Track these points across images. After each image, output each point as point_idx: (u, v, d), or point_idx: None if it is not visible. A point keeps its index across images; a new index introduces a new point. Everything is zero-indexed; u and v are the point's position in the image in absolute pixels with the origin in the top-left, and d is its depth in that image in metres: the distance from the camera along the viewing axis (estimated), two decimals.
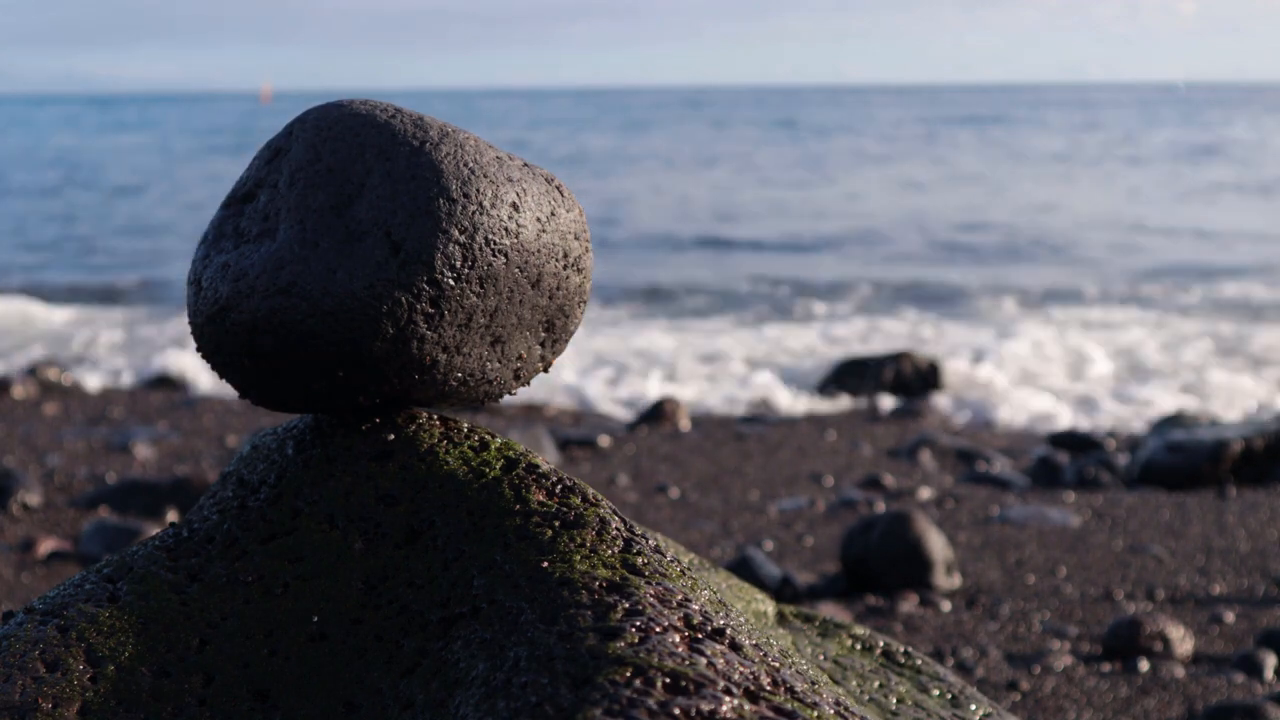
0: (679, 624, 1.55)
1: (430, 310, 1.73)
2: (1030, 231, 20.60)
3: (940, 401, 9.30)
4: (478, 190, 1.74)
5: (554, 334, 1.89)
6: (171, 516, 6.15)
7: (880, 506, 6.55)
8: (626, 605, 1.56)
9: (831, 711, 1.53)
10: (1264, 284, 15.06)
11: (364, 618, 1.69)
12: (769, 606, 2.21)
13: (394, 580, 1.71)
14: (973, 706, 2.03)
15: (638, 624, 1.53)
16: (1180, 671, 4.31)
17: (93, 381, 10.22)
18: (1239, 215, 22.13)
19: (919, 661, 2.14)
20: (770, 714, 1.42)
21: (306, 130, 1.78)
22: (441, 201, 1.72)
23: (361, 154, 1.74)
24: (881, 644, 2.17)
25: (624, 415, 9.01)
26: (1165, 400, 9.34)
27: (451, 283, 1.73)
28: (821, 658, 2.02)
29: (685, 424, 8.63)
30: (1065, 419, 8.94)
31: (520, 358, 1.86)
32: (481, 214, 1.74)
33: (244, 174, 1.84)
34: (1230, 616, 4.87)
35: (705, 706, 1.39)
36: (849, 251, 18.79)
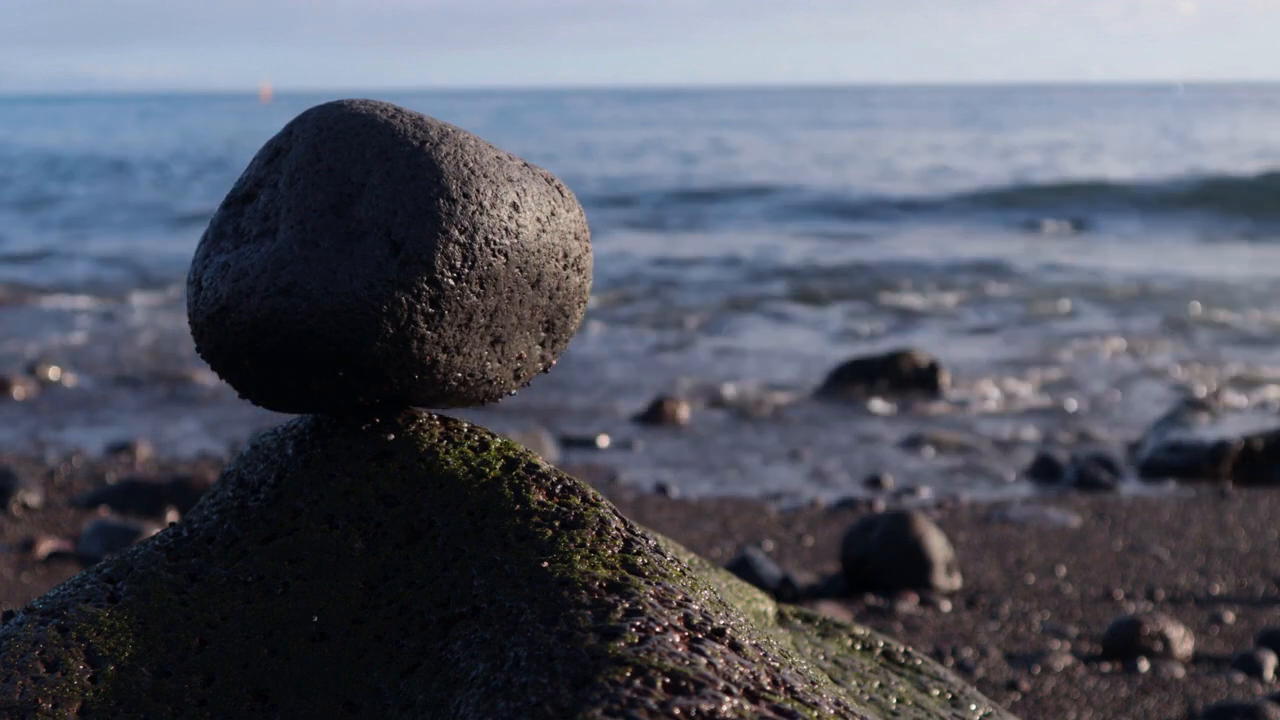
0: (679, 624, 1.55)
1: (430, 310, 1.73)
2: None
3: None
4: (478, 190, 1.74)
5: (554, 334, 1.89)
6: (171, 516, 6.15)
7: (880, 506, 6.55)
8: (626, 605, 1.56)
9: (831, 711, 1.53)
10: None
11: (364, 618, 1.69)
12: (769, 606, 2.21)
13: (394, 580, 1.71)
14: (973, 706, 2.03)
15: (638, 624, 1.53)
16: (1180, 671, 4.31)
17: None
18: None
19: (919, 661, 2.14)
20: (770, 714, 1.42)
21: (306, 130, 1.78)
22: (441, 201, 1.72)
23: (361, 154, 1.74)
24: (881, 644, 2.17)
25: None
26: None
27: (451, 283, 1.73)
28: (821, 658, 2.02)
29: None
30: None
31: (520, 358, 1.86)
32: (481, 214, 1.74)
33: (244, 174, 1.84)
34: (1230, 616, 4.87)
35: (705, 706, 1.39)
36: None
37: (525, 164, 1.83)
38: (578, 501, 1.76)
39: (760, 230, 21.47)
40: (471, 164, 1.75)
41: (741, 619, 1.73)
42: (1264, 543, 5.88)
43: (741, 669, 1.50)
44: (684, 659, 1.47)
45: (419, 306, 1.72)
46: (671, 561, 1.72)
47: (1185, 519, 6.30)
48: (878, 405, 9.18)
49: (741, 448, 8.04)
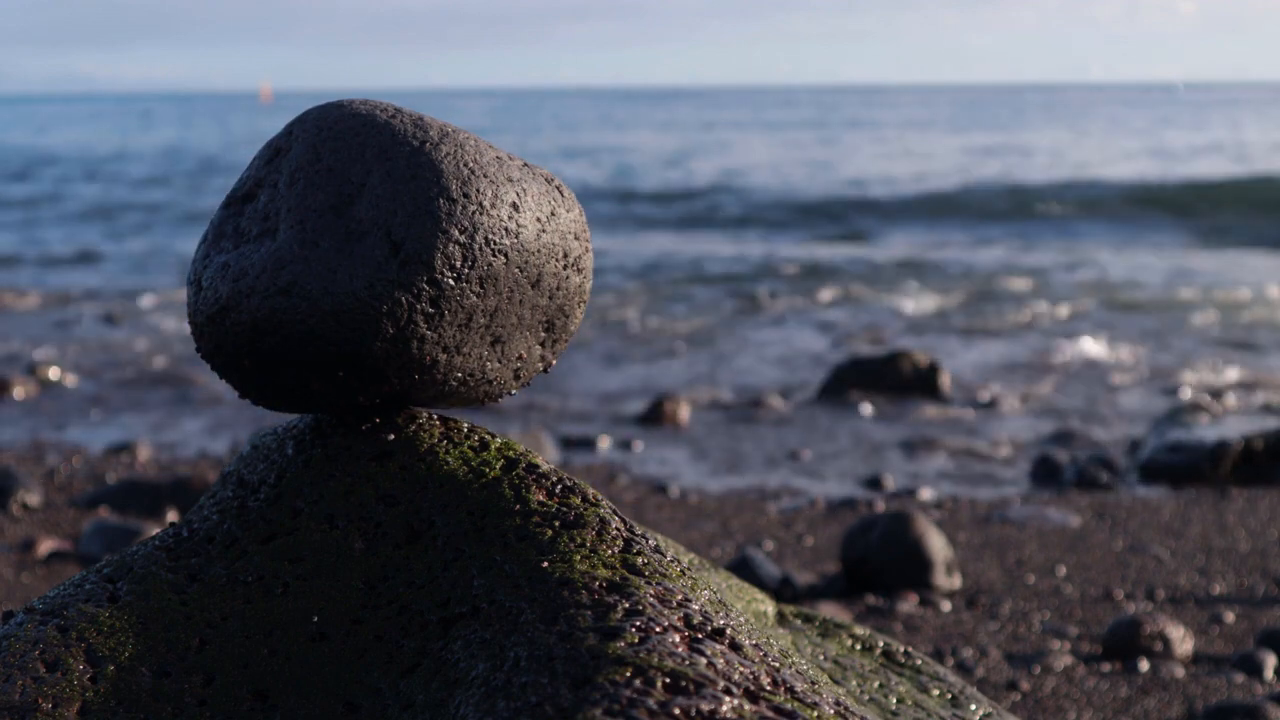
0: (679, 624, 1.55)
1: (430, 310, 1.73)
2: None
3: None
4: (478, 190, 1.74)
5: (554, 334, 1.89)
6: (171, 516, 6.15)
7: (880, 506, 6.55)
8: (626, 605, 1.56)
9: (831, 711, 1.53)
10: None
11: (364, 618, 1.69)
12: (769, 606, 2.21)
13: (394, 580, 1.71)
14: (973, 706, 2.03)
15: (638, 624, 1.53)
16: (1180, 671, 4.31)
17: None
18: None
19: (919, 661, 2.14)
20: (770, 714, 1.42)
21: (306, 130, 1.78)
22: (441, 201, 1.72)
23: (361, 154, 1.74)
24: (881, 644, 2.17)
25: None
26: None
27: (451, 283, 1.73)
28: (821, 658, 2.02)
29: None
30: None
31: (520, 358, 1.86)
32: (481, 214, 1.74)
33: (244, 174, 1.84)
34: (1230, 616, 4.87)
35: (705, 706, 1.39)
36: None
37: (525, 164, 1.83)
38: (578, 501, 1.76)
39: (760, 230, 21.47)
40: (471, 164, 1.75)
41: (741, 619, 1.73)
42: (1264, 543, 5.88)
43: (741, 669, 1.50)
44: (684, 659, 1.47)
45: (419, 306, 1.72)
46: (671, 561, 1.72)
47: (1185, 519, 6.30)
48: (878, 406, 9.18)
49: (741, 448, 8.05)
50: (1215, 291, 14.42)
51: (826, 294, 14.68)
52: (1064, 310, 13.40)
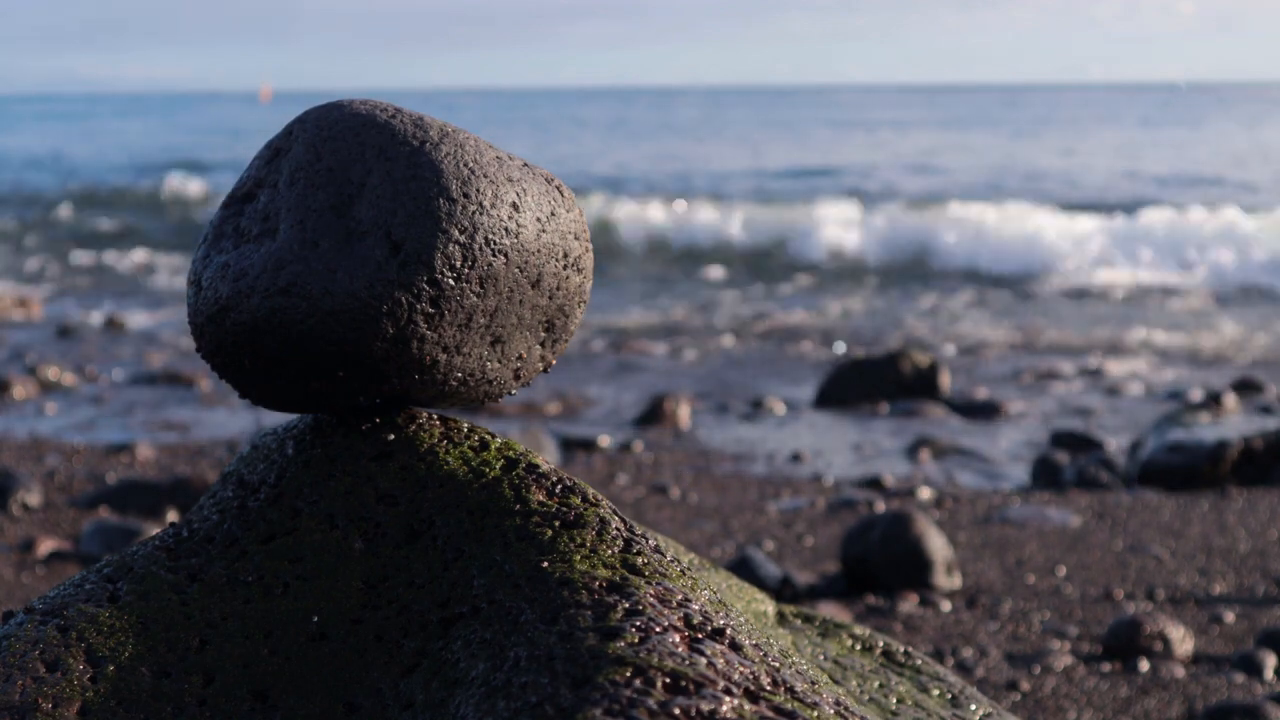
0: (679, 624, 1.55)
1: (430, 310, 1.73)
2: None
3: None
4: (478, 190, 1.74)
5: (554, 334, 1.89)
6: (171, 516, 6.15)
7: (880, 506, 6.55)
8: (626, 605, 1.56)
9: (831, 711, 1.53)
10: None
11: (364, 618, 1.69)
12: (769, 606, 2.21)
13: (394, 580, 1.71)
14: (973, 706, 2.03)
15: (638, 624, 1.53)
16: (1180, 671, 4.31)
17: None
18: None
19: (919, 661, 2.14)
20: (770, 714, 1.42)
21: (306, 130, 1.78)
22: (441, 201, 1.72)
23: (361, 154, 1.73)
24: (881, 644, 2.17)
25: None
26: None
27: (451, 283, 1.73)
28: (821, 658, 2.02)
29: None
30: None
31: (520, 358, 1.86)
32: (481, 214, 1.74)
33: (244, 173, 1.84)
34: (1230, 616, 4.87)
35: (705, 706, 1.39)
36: None
37: (525, 164, 1.83)
38: (578, 501, 1.76)
39: (761, 230, 21.46)
40: (471, 164, 1.75)
41: (741, 619, 1.73)
42: (1264, 543, 5.88)
43: (741, 669, 1.50)
44: (684, 659, 1.47)
45: (419, 306, 1.72)
46: (671, 561, 1.72)
47: (1185, 519, 6.30)
48: (878, 406, 9.17)
49: (741, 448, 8.05)
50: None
51: (824, 296, 14.68)
52: (1062, 311, 13.40)
